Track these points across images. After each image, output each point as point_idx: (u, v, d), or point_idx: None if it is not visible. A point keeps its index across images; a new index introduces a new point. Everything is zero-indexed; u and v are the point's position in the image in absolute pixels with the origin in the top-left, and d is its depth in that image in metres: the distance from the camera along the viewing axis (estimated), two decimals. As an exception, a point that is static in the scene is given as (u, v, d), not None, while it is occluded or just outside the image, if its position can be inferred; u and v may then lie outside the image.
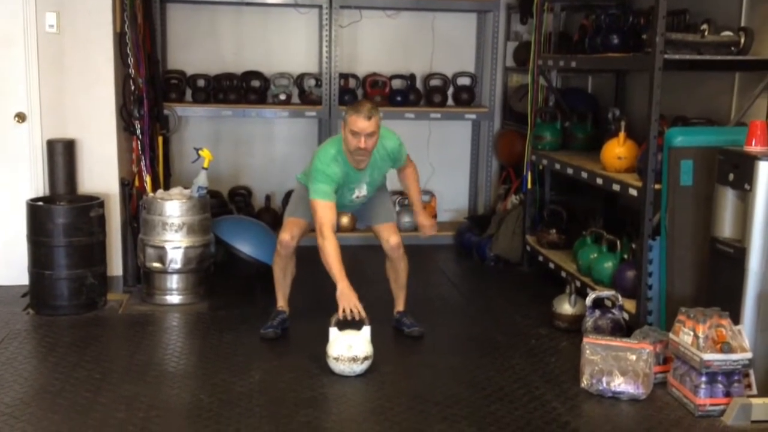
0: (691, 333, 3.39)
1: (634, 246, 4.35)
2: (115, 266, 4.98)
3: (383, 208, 4.36)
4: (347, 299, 3.84)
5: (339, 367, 3.74)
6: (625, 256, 4.47)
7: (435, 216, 6.62)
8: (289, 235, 4.19)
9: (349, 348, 3.73)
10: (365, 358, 3.75)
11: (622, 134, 4.47)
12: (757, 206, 3.40)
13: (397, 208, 6.09)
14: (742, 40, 4.06)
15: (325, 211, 3.94)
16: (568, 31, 6.14)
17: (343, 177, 4.04)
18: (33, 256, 4.55)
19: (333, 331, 3.82)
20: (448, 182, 6.74)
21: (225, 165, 6.39)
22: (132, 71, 5.06)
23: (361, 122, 3.90)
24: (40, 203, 4.57)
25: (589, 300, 4.12)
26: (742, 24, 4.21)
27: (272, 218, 6.07)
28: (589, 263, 4.65)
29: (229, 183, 6.41)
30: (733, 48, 4.07)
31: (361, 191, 4.20)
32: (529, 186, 5.57)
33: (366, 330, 3.83)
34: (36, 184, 4.84)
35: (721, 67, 4.20)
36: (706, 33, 4.08)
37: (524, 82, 6.15)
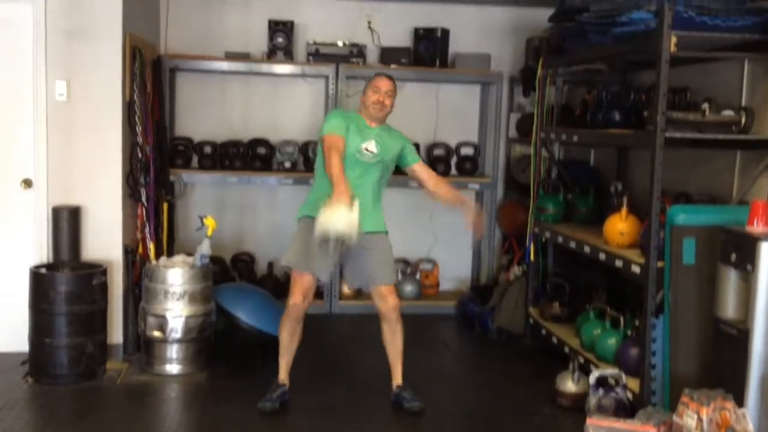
0: (695, 416, 3.34)
1: (637, 323, 4.33)
2: (116, 334, 4.95)
3: (386, 267, 4.26)
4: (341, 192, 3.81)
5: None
6: (629, 333, 4.45)
7: (437, 285, 6.63)
8: (301, 296, 4.16)
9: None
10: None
11: (624, 210, 4.49)
12: (760, 287, 3.38)
13: (399, 277, 6.08)
14: (743, 120, 4.10)
15: (334, 140, 4.07)
16: (570, 104, 6.21)
17: (354, 124, 4.20)
18: (34, 324, 4.54)
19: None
20: (451, 251, 6.74)
21: (229, 231, 6.41)
22: (140, 139, 5.12)
23: (382, 80, 4.24)
24: (43, 270, 4.58)
25: (592, 378, 4.08)
26: (743, 103, 4.26)
27: (274, 285, 6.06)
28: (593, 339, 4.62)
29: (233, 249, 6.42)
30: (734, 127, 4.11)
31: (370, 145, 4.21)
32: (532, 258, 5.57)
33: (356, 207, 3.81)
34: (40, 251, 4.85)
35: (722, 146, 4.23)
36: (707, 112, 4.12)
37: (527, 152, 6.20)
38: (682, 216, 3.90)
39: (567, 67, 5.56)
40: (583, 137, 4.97)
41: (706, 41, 4.04)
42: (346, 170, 4.07)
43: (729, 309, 3.59)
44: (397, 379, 4.32)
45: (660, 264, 3.97)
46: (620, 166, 5.59)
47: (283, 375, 4.28)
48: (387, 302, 4.22)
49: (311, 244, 4.05)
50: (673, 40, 3.82)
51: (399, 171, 6.38)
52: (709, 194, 4.47)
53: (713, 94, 4.31)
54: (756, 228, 3.55)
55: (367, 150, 4.20)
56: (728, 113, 4.14)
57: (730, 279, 3.57)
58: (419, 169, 4.41)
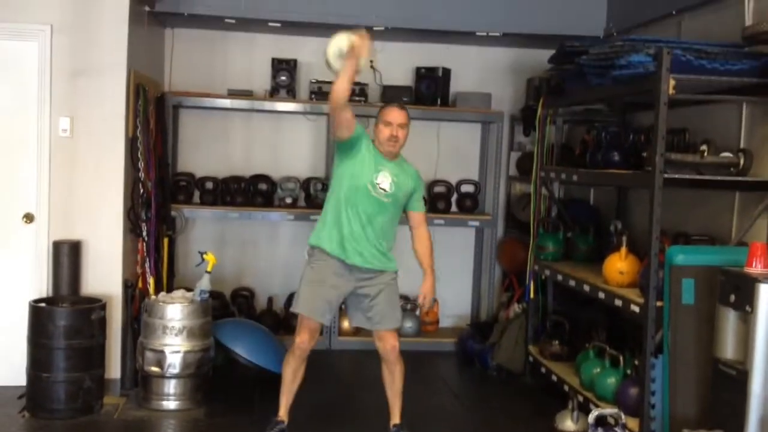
0: (695, 458, 3.32)
1: (637, 362, 4.32)
2: (114, 368, 4.94)
3: (390, 313, 4.23)
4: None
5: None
6: (629, 372, 4.43)
7: (438, 321, 6.62)
8: (307, 336, 4.15)
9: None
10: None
11: (623, 249, 4.50)
12: (759, 329, 3.37)
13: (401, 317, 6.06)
14: (742, 161, 4.13)
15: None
16: (570, 143, 6.26)
17: (373, 152, 4.11)
18: (32, 358, 4.53)
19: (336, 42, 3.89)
20: (451, 288, 6.73)
21: (229, 266, 6.42)
22: (142, 174, 5.16)
23: (394, 113, 4.13)
24: (42, 304, 4.59)
25: (591, 417, 4.05)
26: (742, 145, 4.29)
27: (274, 321, 6.06)
28: (592, 378, 4.60)
29: (232, 284, 6.42)
30: (732, 169, 4.14)
31: (385, 180, 4.09)
32: (532, 295, 5.57)
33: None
34: (39, 285, 4.86)
35: (721, 187, 4.25)
36: (705, 153, 4.16)
37: (527, 191, 6.23)
38: (681, 256, 3.91)
39: (567, 107, 5.61)
40: (582, 177, 5.00)
41: (704, 84, 4.09)
42: (357, 205, 4.05)
43: (728, 350, 3.58)
44: (395, 417, 4.30)
45: (659, 304, 3.97)
46: (620, 206, 5.62)
47: (283, 412, 4.25)
48: (386, 344, 4.21)
49: (318, 290, 4.09)
50: (672, 83, 3.86)
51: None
52: (708, 234, 4.48)
53: (712, 136, 4.34)
54: (755, 269, 3.55)
55: (380, 187, 4.09)
56: (727, 155, 4.17)
57: (729, 320, 3.56)
58: (416, 217, 4.31)
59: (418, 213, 4.32)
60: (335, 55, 3.92)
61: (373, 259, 4.10)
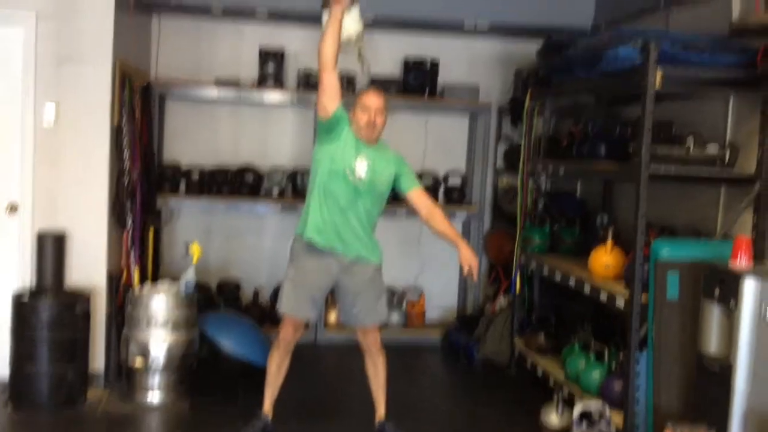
0: (678, 452, 3.33)
1: (621, 356, 4.32)
2: (98, 361, 4.90)
3: (375, 308, 4.19)
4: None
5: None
6: (613, 366, 4.44)
7: (424, 314, 6.62)
8: (292, 330, 4.13)
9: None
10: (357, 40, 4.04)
11: (609, 242, 4.50)
12: (743, 324, 3.38)
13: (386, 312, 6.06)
14: (727, 155, 4.13)
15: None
16: (557, 135, 6.24)
17: (352, 136, 4.00)
18: (15, 350, 4.50)
19: (325, 14, 3.92)
20: (438, 280, 6.74)
21: (215, 257, 6.39)
22: (127, 165, 5.11)
23: (371, 98, 4.02)
24: (26, 297, 4.55)
25: (576, 411, 4.06)
26: (728, 139, 4.29)
27: (260, 313, 6.04)
28: (577, 371, 4.61)
29: (218, 275, 6.40)
30: (718, 163, 4.14)
31: (362, 167, 3.97)
32: (518, 289, 5.56)
33: (355, 10, 3.97)
34: (23, 276, 4.82)
35: (706, 181, 4.26)
36: (691, 147, 4.15)
37: (514, 183, 6.22)
38: (667, 250, 3.91)
39: (554, 99, 5.59)
40: (569, 169, 4.99)
41: (691, 77, 4.08)
42: (335, 190, 3.98)
43: (712, 344, 3.59)
44: (380, 412, 4.28)
45: (644, 298, 3.98)
46: (606, 198, 5.62)
47: (268, 406, 4.23)
48: (367, 337, 4.21)
49: (302, 288, 4.07)
50: (659, 75, 3.85)
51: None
52: (694, 228, 4.49)
53: (698, 129, 4.34)
54: (739, 264, 3.56)
55: (357, 172, 3.99)
56: (713, 148, 4.17)
57: (714, 314, 3.57)
58: (414, 196, 4.17)
59: (414, 190, 4.16)
60: (324, 15, 3.94)
61: (354, 245, 4.05)
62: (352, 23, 3.97)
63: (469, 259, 3.98)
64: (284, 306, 4.13)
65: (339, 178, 3.99)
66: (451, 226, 4.17)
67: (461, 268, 6.50)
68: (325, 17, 3.94)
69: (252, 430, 4.14)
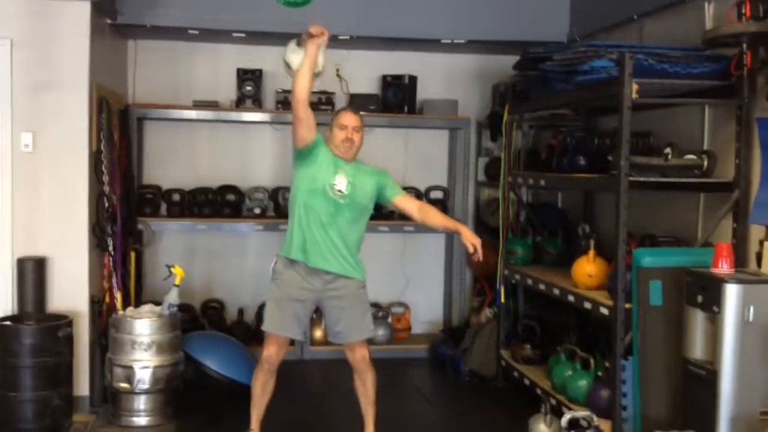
0: (667, 458, 3.35)
1: (607, 364, 4.35)
2: (82, 386, 4.85)
3: (360, 325, 4.19)
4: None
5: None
6: (599, 375, 4.46)
7: (409, 328, 6.63)
8: (275, 348, 4.13)
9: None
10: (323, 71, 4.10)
11: (591, 252, 4.54)
12: (726, 329, 3.42)
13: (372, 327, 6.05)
14: (705, 163, 4.18)
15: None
16: (537, 147, 6.29)
17: (330, 156, 4.07)
18: (-2, 377, 4.45)
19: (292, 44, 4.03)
20: (423, 294, 6.76)
21: (198, 278, 6.36)
22: (107, 188, 5.09)
23: (348, 116, 4.11)
24: (8, 322, 4.50)
25: (564, 421, 4.07)
26: (705, 147, 4.35)
27: (245, 332, 6.01)
28: (564, 381, 4.63)
29: (202, 296, 6.37)
30: (696, 171, 4.19)
31: (342, 182, 4.04)
32: (503, 300, 5.58)
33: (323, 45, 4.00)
34: (5, 302, 4.77)
35: (685, 189, 4.30)
36: (670, 156, 4.20)
37: (495, 196, 6.25)
38: (648, 258, 3.95)
39: (533, 112, 5.64)
40: (549, 181, 5.03)
41: (667, 88, 4.14)
42: (316, 206, 4.02)
43: (697, 350, 3.62)
44: (369, 427, 4.28)
45: (628, 306, 4.01)
46: (587, 209, 5.66)
47: (255, 425, 4.21)
48: (355, 354, 4.20)
49: (285, 306, 4.08)
50: (635, 87, 3.91)
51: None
52: (675, 236, 4.53)
53: (675, 139, 4.40)
54: (721, 270, 3.60)
55: (337, 188, 4.04)
56: (690, 157, 4.22)
57: (697, 320, 3.61)
58: (401, 202, 4.24)
59: (400, 196, 4.24)
60: (292, 51, 4.00)
61: (336, 262, 4.06)
62: (321, 57, 4.03)
63: (472, 239, 4.11)
64: (268, 325, 4.14)
65: (319, 195, 4.04)
66: (447, 217, 4.40)
67: (446, 281, 6.67)
68: (289, 50, 4.02)
69: (240, 450, 4.13)
